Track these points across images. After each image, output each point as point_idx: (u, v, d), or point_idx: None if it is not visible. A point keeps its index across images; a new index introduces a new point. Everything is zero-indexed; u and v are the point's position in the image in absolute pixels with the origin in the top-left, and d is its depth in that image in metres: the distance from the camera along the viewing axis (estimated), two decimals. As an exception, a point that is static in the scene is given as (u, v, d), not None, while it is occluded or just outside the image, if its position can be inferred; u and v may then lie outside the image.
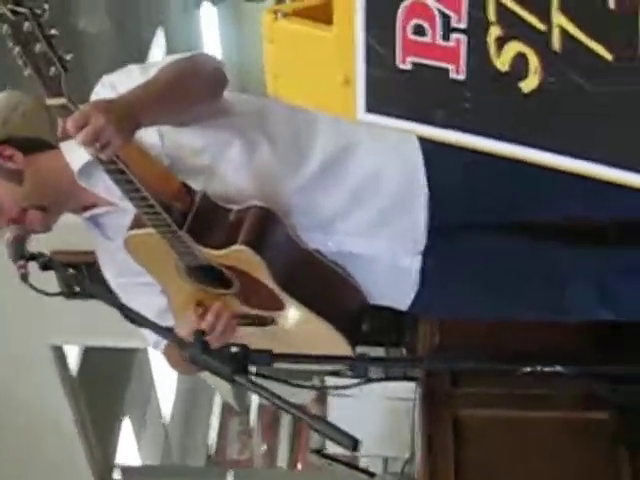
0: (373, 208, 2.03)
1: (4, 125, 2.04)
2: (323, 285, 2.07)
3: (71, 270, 1.85)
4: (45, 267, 1.83)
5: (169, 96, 1.88)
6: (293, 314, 2.05)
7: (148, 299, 2.10)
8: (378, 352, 4.41)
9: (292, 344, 2.08)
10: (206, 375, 4.68)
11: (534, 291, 2.12)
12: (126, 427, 7.48)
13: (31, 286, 1.80)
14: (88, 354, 6.07)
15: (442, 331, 3.37)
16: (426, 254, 2.06)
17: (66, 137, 1.73)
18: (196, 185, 1.96)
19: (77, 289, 1.85)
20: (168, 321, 2.09)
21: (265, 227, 1.94)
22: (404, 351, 4.26)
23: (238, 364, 1.55)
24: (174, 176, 1.96)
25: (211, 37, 5.46)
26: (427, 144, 2.00)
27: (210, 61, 2.04)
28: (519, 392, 3.27)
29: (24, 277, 1.80)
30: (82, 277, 1.81)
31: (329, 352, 2.05)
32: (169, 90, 1.89)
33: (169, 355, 2.18)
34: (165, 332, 1.67)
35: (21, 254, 1.84)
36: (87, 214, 2.09)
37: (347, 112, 1.42)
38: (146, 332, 2.14)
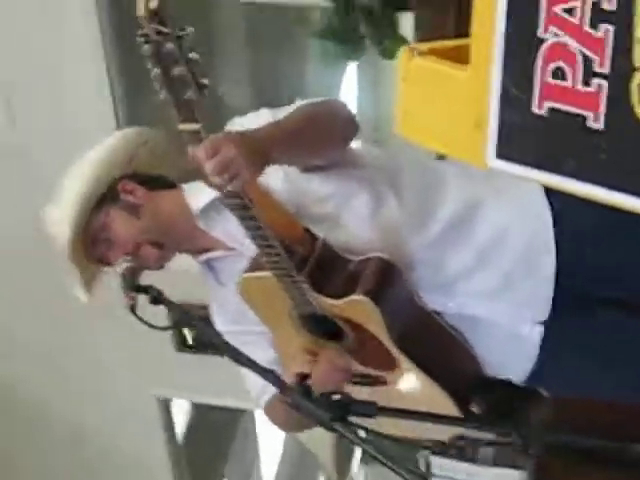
0: (498, 269, 1.96)
1: (131, 161, 2.06)
2: (439, 348, 2.00)
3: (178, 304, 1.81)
4: (155, 301, 1.81)
5: (301, 135, 1.86)
6: (405, 376, 1.97)
7: (257, 349, 2.05)
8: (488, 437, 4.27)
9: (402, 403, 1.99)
10: (307, 439, 4.61)
11: None
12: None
13: (138, 317, 1.79)
14: (194, 412, 6.08)
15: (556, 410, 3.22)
16: (548, 324, 1.96)
17: (194, 165, 1.71)
18: (318, 233, 1.93)
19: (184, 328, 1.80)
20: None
21: (386, 280, 1.88)
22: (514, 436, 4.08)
23: (339, 412, 1.49)
24: (297, 221, 1.93)
25: (348, 93, 5.55)
26: (558, 205, 1.93)
27: (343, 107, 2.02)
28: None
29: (132, 308, 1.78)
30: (189, 315, 1.76)
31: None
32: (302, 129, 1.87)
33: (271, 409, 2.13)
34: (269, 375, 1.62)
35: (132, 286, 1.82)
36: (203, 257, 2.09)
37: (476, 157, 1.37)
38: (251, 384, 2.10)
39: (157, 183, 2.09)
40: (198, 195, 2.02)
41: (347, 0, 2.60)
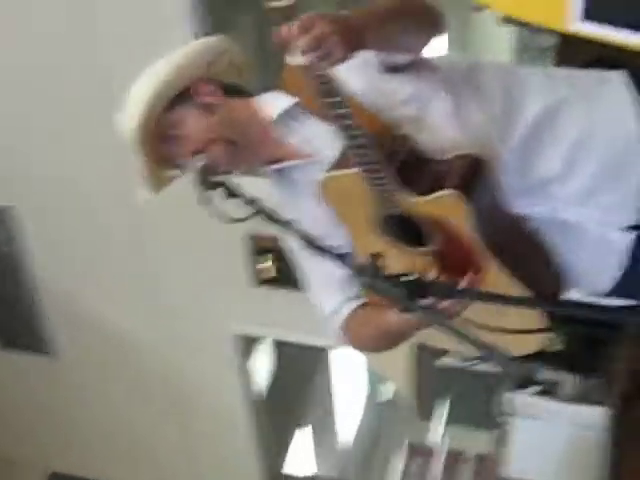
0: (586, 173, 1.88)
1: (209, 66, 2.03)
2: (525, 253, 1.92)
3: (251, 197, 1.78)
4: (230, 194, 1.78)
5: (395, 19, 1.80)
6: (490, 280, 1.87)
7: (331, 266, 2.02)
8: (569, 379, 4.21)
9: (482, 315, 1.94)
10: (385, 371, 4.57)
11: None
12: (303, 436, 7.48)
13: (212, 210, 1.74)
14: (273, 357, 6.12)
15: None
16: (638, 232, 1.90)
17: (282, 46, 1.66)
18: (403, 133, 1.88)
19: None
20: (350, 293, 2.00)
21: (475, 176, 1.80)
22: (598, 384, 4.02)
23: (412, 290, 1.45)
24: (382, 120, 1.89)
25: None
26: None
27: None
28: None
29: (207, 199, 1.74)
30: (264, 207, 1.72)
31: (522, 327, 1.89)
32: (396, 13, 1.81)
33: (350, 323, 2.09)
34: (346, 257, 1.59)
35: (208, 180, 1.78)
36: (277, 166, 2.05)
37: (557, 20, 1.31)
38: (324, 297, 2.07)
39: (234, 91, 2.06)
40: (275, 103, 1.99)
41: None
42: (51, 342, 5.63)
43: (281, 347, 6.21)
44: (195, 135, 1.93)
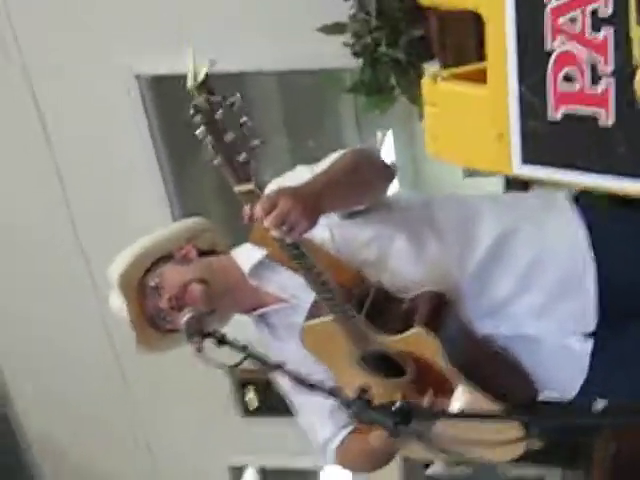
0: (542, 290, 2.02)
1: (189, 239, 2.17)
2: (495, 370, 2.06)
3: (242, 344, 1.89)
4: (220, 342, 1.89)
5: (347, 183, 1.97)
6: (465, 400, 2.00)
7: (318, 397, 2.12)
8: (555, 473, 4.30)
9: (461, 435, 2.04)
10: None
11: None
12: None
13: (205, 358, 1.82)
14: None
15: (618, 439, 3.28)
16: (596, 337, 2.04)
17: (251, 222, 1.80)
18: (369, 276, 2.03)
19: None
20: (340, 421, 2.14)
21: (439, 310, 1.97)
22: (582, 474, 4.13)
23: (401, 417, 1.58)
24: (349, 266, 2.03)
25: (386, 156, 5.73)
26: (590, 222, 2.03)
27: (377, 153, 2.14)
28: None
29: (199, 350, 1.83)
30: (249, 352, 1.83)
31: (502, 439, 1.99)
32: (346, 177, 1.97)
33: (342, 450, 2.20)
34: (335, 391, 1.74)
35: (197, 331, 1.86)
36: (258, 312, 2.17)
37: (503, 166, 1.49)
38: (319, 432, 2.19)
39: (209, 253, 2.20)
40: (247, 255, 2.14)
41: (373, 56, 2.76)
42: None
43: (271, 473, 6.23)
44: (172, 281, 2.06)
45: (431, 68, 2.71)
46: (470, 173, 2.19)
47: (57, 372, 5.12)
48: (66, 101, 4.17)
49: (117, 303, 2.09)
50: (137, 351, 2.12)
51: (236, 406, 4.96)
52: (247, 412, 4.93)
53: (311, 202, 1.77)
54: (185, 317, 1.89)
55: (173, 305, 2.02)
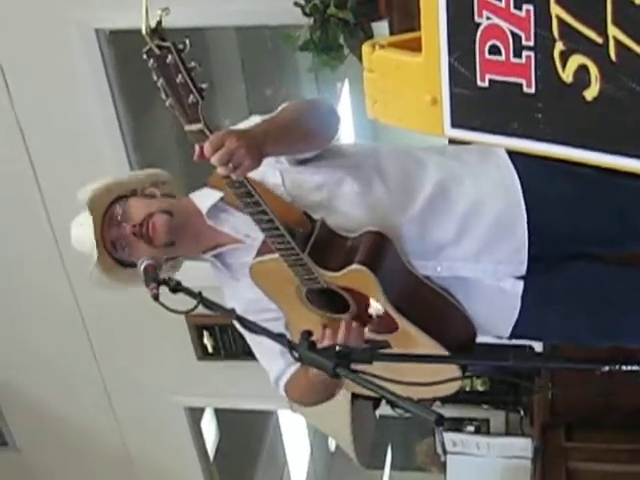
0: (478, 236, 2.17)
1: (153, 184, 2.31)
2: (434, 309, 2.19)
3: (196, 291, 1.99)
4: (175, 290, 1.99)
5: (292, 128, 2.10)
6: (405, 337, 2.15)
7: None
8: (499, 414, 4.49)
9: (403, 371, 2.16)
10: (325, 426, 4.79)
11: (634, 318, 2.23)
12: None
13: (161, 304, 1.92)
14: (222, 423, 6.27)
15: (555, 382, 3.43)
16: (527, 279, 2.19)
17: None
18: (316, 216, 2.16)
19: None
20: (289, 359, 2.26)
21: (380, 250, 2.09)
22: (522, 412, 4.32)
23: (341, 360, 1.71)
24: (296, 207, 2.16)
25: (344, 115, 5.78)
26: (525, 176, 2.17)
27: (326, 102, 2.27)
28: (632, 447, 3.29)
29: (156, 297, 1.92)
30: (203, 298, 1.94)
31: (437, 379, 2.10)
32: (292, 122, 2.11)
33: (290, 386, 2.34)
34: (282, 338, 1.85)
35: (154, 279, 1.96)
36: (214, 252, 2.30)
37: (435, 129, 1.61)
38: (271, 367, 2.33)
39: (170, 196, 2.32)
40: (205, 199, 2.26)
41: (323, 16, 2.87)
42: (10, 434, 5.80)
43: (228, 413, 6.39)
44: (137, 209, 2.19)
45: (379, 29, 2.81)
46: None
47: (15, 316, 5.24)
48: (25, 57, 4.22)
49: (80, 230, 2.22)
50: (92, 280, 2.24)
51: (195, 349, 5.08)
52: (204, 355, 5.07)
53: (256, 143, 1.91)
54: (143, 264, 1.99)
55: (136, 232, 2.17)
